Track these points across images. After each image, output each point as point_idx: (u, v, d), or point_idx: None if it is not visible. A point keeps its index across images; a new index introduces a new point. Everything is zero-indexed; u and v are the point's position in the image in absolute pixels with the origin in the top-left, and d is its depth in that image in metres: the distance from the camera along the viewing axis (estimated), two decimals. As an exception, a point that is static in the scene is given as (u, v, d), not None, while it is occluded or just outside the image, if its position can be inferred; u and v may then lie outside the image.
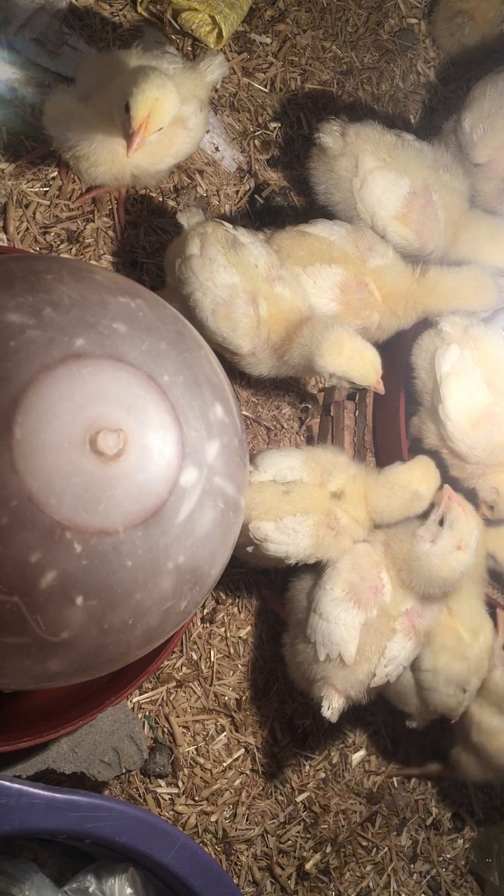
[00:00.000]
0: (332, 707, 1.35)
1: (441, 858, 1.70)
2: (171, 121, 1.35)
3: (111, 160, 1.41)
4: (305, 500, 1.35)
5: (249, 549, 1.37)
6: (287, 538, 1.34)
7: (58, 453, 0.86)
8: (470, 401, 1.43)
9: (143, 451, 0.89)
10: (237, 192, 1.73)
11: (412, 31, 1.90)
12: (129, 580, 0.90)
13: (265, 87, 1.78)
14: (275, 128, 1.77)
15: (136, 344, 0.92)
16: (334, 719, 1.37)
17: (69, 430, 0.86)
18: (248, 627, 1.63)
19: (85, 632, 0.89)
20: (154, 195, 1.67)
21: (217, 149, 1.72)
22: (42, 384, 0.86)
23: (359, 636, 1.33)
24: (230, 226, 1.43)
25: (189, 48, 1.72)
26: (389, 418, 1.60)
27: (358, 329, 1.46)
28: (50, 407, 0.86)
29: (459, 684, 1.42)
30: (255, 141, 1.75)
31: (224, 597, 1.62)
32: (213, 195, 1.72)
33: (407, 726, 1.55)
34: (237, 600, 1.63)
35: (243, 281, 1.38)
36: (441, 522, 1.35)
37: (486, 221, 1.58)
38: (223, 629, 1.62)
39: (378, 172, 1.52)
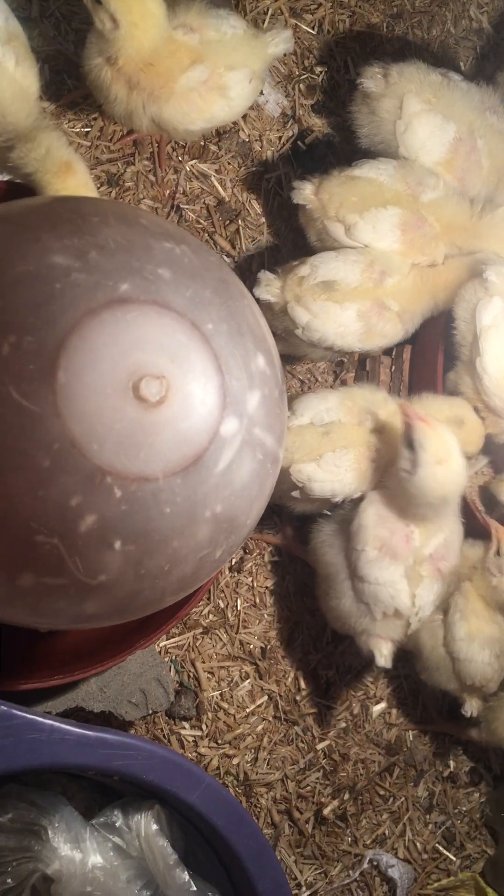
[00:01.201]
0: (383, 655, 1.37)
1: (457, 810, 1.73)
2: (210, 85, 1.34)
3: (140, 111, 1.38)
4: (345, 437, 1.36)
5: (295, 493, 1.38)
6: (330, 475, 1.34)
7: (101, 398, 0.86)
8: None
9: (185, 399, 0.89)
10: (280, 137, 1.70)
11: (467, -28, 1.83)
12: (167, 527, 0.90)
13: (312, 28, 1.73)
14: (321, 72, 1.73)
15: (181, 291, 0.91)
16: (389, 664, 1.39)
17: (113, 375, 0.86)
18: (276, 578, 1.65)
19: (122, 576, 0.90)
20: (196, 139, 1.64)
21: (261, 92, 1.68)
22: (86, 328, 0.86)
23: (407, 586, 1.33)
24: (310, 268, 1.41)
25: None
26: (427, 374, 1.58)
27: (424, 263, 1.45)
28: (94, 351, 0.86)
29: (493, 649, 1.42)
30: (301, 85, 1.71)
31: (252, 546, 1.63)
32: (256, 140, 1.69)
33: (463, 713, 1.54)
34: (265, 550, 1.64)
35: (361, 303, 1.40)
36: (411, 446, 1.29)
37: None
38: (250, 578, 1.63)
39: (424, 116, 1.48)
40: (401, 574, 1.33)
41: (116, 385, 0.86)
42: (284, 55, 1.70)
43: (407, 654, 1.57)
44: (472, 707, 1.49)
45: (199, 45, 1.39)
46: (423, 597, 1.37)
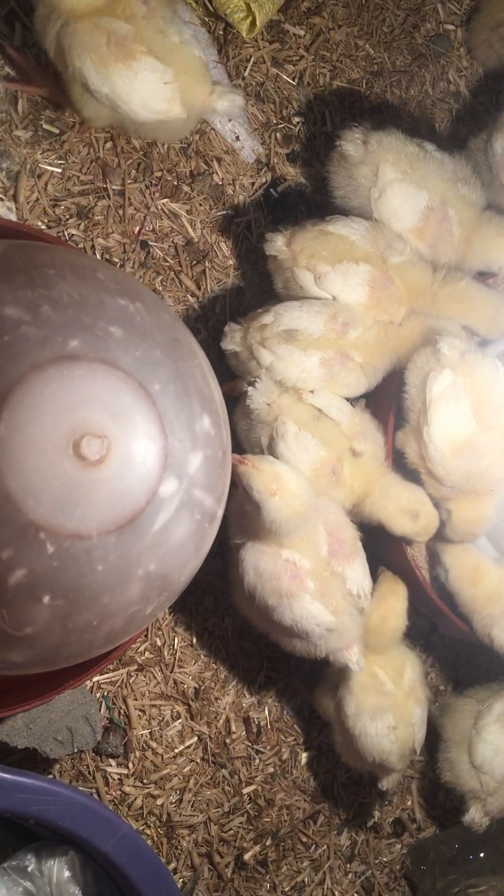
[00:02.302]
0: (355, 661, 1.38)
1: (377, 861, 1.74)
2: (124, 48, 1.32)
3: (51, 26, 1.36)
4: (330, 434, 1.41)
5: (263, 440, 1.41)
6: (298, 450, 1.38)
7: (40, 454, 0.86)
8: (455, 428, 1.44)
9: (126, 459, 0.90)
10: (253, 183, 1.72)
11: (448, 37, 1.87)
12: (98, 584, 0.91)
13: (293, 79, 1.76)
14: (298, 122, 1.75)
15: (131, 350, 0.92)
16: (363, 665, 1.39)
17: (54, 431, 0.87)
18: (215, 619, 1.65)
19: (49, 629, 0.90)
20: (169, 178, 1.65)
21: (238, 138, 1.71)
22: (31, 383, 0.86)
23: (320, 605, 1.35)
24: (273, 316, 1.43)
25: (221, 32, 1.70)
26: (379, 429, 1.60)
27: (385, 321, 1.49)
28: (37, 407, 0.86)
29: (384, 721, 1.43)
30: (277, 134, 1.74)
31: (192, 586, 1.63)
32: (229, 184, 1.70)
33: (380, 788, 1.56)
34: (207, 590, 1.64)
35: (325, 352, 1.42)
36: (247, 490, 1.32)
37: (496, 222, 1.57)
38: (189, 618, 1.64)
39: (397, 185, 1.52)
40: (308, 601, 1.34)
41: (57, 441, 0.87)
42: (264, 103, 1.73)
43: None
44: (388, 783, 1.52)
45: (143, 18, 1.37)
46: (352, 578, 1.39)
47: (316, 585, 1.34)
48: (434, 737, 1.61)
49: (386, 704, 1.44)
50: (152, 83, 1.37)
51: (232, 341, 1.45)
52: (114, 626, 0.95)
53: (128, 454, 0.90)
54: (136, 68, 1.35)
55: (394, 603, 1.47)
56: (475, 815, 1.54)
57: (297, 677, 1.67)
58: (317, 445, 1.39)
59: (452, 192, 1.52)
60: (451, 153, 1.57)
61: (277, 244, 1.49)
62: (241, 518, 1.36)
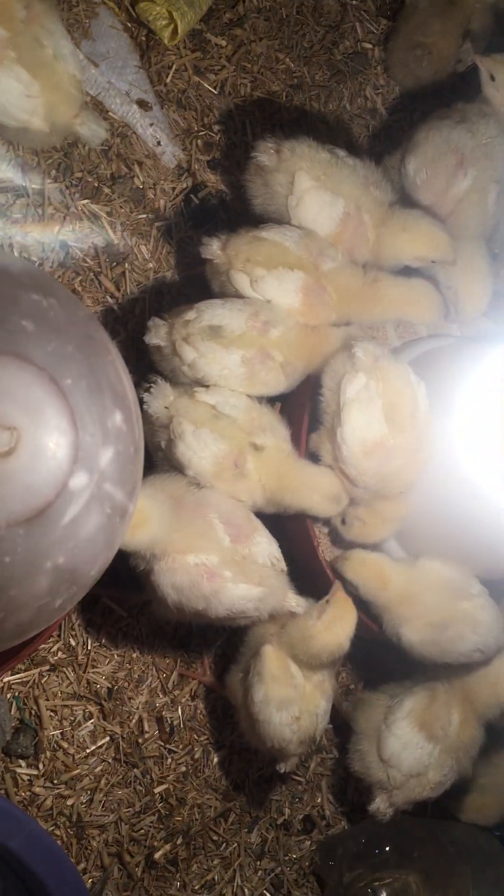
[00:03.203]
0: (298, 604, 1.46)
1: (287, 858, 1.77)
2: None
3: None
4: (229, 430, 1.42)
5: (163, 443, 1.43)
6: (197, 447, 1.40)
7: None
8: (367, 430, 1.48)
9: (35, 452, 0.90)
10: (174, 188, 1.74)
11: (365, 55, 1.93)
12: (5, 576, 0.91)
13: (215, 88, 1.79)
14: (219, 130, 1.79)
15: (43, 344, 0.93)
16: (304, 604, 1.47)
17: (-37, 422, 0.87)
18: (129, 619, 1.66)
19: (-46, 621, 0.90)
20: (90, 180, 1.66)
21: (159, 143, 1.73)
22: None
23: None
24: (196, 312, 1.44)
25: (143, 38, 1.72)
26: (293, 432, 1.64)
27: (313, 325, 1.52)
28: None
29: (290, 711, 1.46)
30: (198, 141, 1.76)
31: (105, 588, 1.63)
32: (150, 188, 1.72)
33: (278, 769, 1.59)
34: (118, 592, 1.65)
35: (246, 350, 1.45)
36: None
37: (398, 216, 1.60)
38: (103, 618, 1.64)
39: (314, 192, 1.55)
40: (233, 588, 1.39)
41: (-34, 432, 0.87)
42: (186, 110, 1.76)
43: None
44: (285, 766, 1.54)
45: (21, 23, 1.35)
46: (260, 552, 1.43)
47: (232, 571, 1.36)
48: (344, 734, 1.65)
49: (293, 696, 1.47)
50: (14, 93, 1.36)
51: (156, 336, 1.47)
52: (21, 620, 0.96)
53: (37, 447, 0.91)
54: (0, 75, 1.34)
55: (340, 630, 1.49)
56: (380, 805, 1.58)
57: (212, 675, 1.69)
58: (215, 440, 1.41)
59: (365, 196, 1.57)
60: (362, 159, 1.61)
61: (213, 248, 1.51)
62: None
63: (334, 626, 1.47)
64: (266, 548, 1.44)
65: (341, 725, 1.72)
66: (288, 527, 1.60)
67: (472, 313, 1.65)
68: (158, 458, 1.47)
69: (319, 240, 1.54)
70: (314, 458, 1.59)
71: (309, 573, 1.60)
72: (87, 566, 0.99)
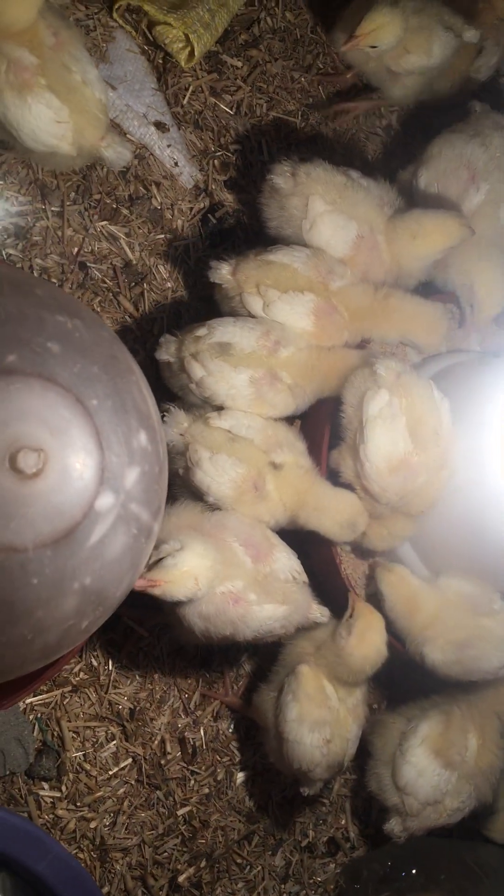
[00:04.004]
0: (321, 613, 1.47)
1: (312, 881, 1.75)
2: (21, 77, 1.31)
3: None
4: (246, 452, 1.42)
5: (181, 471, 1.43)
6: (215, 473, 1.39)
7: (-24, 467, 0.86)
8: (391, 447, 1.47)
9: (62, 473, 0.90)
10: (191, 208, 1.75)
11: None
12: (33, 597, 0.91)
13: (231, 109, 1.80)
14: (235, 150, 1.80)
15: (69, 366, 0.93)
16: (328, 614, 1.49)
17: (-10, 444, 0.87)
18: (150, 639, 1.65)
19: (-18, 644, 0.90)
20: (108, 201, 1.67)
21: (176, 164, 1.74)
22: (-32, 396, 0.86)
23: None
24: (207, 329, 1.45)
25: (160, 61, 1.73)
26: (313, 449, 1.63)
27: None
28: (-27, 420, 0.87)
29: (322, 734, 1.44)
30: (215, 161, 1.77)
31: (126, 608, 1.63)
32: (168, 209, 1.73)
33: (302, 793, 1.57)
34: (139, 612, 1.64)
35: (255, 370, 1.45)
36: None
37: (404, 224, 1.59)
38: (124, 638, 1.63)
39: (328, 216, 1.56)
40: (258, 610, 1.39)
41: (-7, 454, 0.87)
42: (202, 131, 1.77)
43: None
44: (310, 790, 1.52)
45: (50, 49, 1.37)
46: (280, 569, 1.43)
47: (256, 593, 1.36)
48: (366, 755, 1.63)
49: (327, 718, 1.46)
50: (45, 119, 1.38)
51: (166, 352, 1.47)
52: (48, 641, 0.95)
53: (64, 468, 0.91)
54: (31, 102, 1.36)
55: (373, 638, 1.48)
56: (395, 827, 1.56)
57: (234, 695, 1.68)
58: (233, 464, 1.41)
59: (380, 217, 1.57)
60: (376, 179, 1.62)
61: (222, 272, 1.51)
62: None
63: (367, 637, 1.47)
64: (286, 563, 1.43)
65: (363, 747, 1.70)
66: (309, 542, 1.59)
67: (489, 310, 1.64)
68: (176, 484, 1.47)
69: (328, 258, 1.54)
70: (334, 475, 1.58)
71: (330, 588, 1.59)
72: (114, 587, 0.98)
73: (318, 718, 1.45)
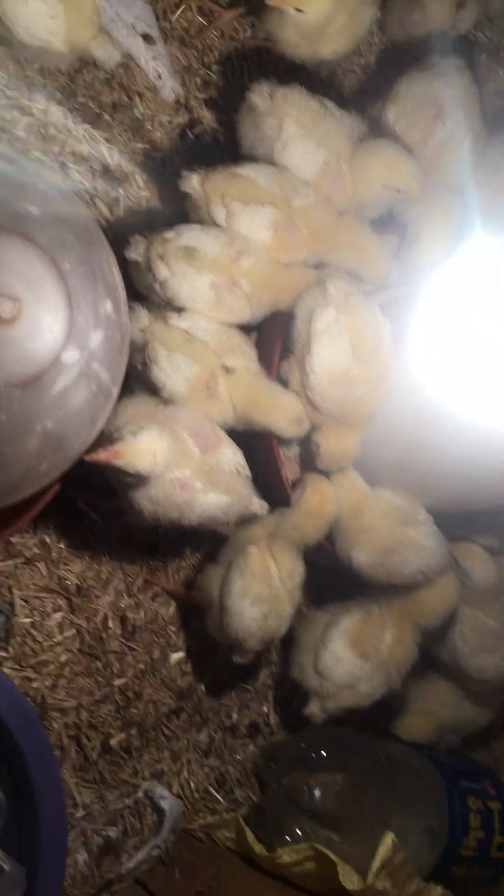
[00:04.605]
0: (261, 505, 1.59)
1: (232, 758, 1.90)
2: None
3: None
4: (201, 354, 1.52)
5: (139, 366, 1.52)
6: (171, 370, 1.49)
7: (-44, 308, 0.96)
8: (334, 360, 1.59)
9: (34, 323, 1.01)
10: (170, 122, 1.83)
11: (362, 13, 2.02)
12: (1, 433, 1.02)
13: (216, 31, 1.87)
14: (217, 70, 1.88)
15: (46, 229, 1.03)
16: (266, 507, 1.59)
17: (-29, 289, 0.97)
18: (102, 525, 1.77)
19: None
20: (92, 106, 1.75)
21: (160, 76, 1.82)
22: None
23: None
24: (175, 233, 1.53)
25: (152, -25, 1.80)
26: (265, 360, 1.75)
27: (285, 262, 1.61)
28: (-43, 265, 0.96)
29: (261, 609, 1.57)
30: (197, 79, 1.85)
31: (81, 492, 1.74)
32: (148, 120, 1.81)
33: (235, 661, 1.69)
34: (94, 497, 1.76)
35: (216, 276, 1.53)
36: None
37: (366, 147, 1.67)
38: (78, 521, 1.75)
39: (300, 140, 1.64)
40: (203, 497, 1.50)
41: (-28, 299, 0.97)
42: (187, 48, 1.85)
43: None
44: (242, 658, 1.66)
45: None
46: (225, 461, 1.54)
47: (202, 482, 1.48)
48: (290, 649, 1.77)
49: (267, 596, 1.59)
50: (40, 13, 1.46)
51: (135, 251, 1.56)
52: (10, 478, 1.07)
53: (36, 319, 1.01)
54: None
55: (327, 490, 1.63)
56: (314, 709, 1.72)
57: (175, 583, 1.81)
58: (188, 364, 1.51)
59: (348, 147, 1.67)
60: (349, 112, 1.71)
61: (192, 182, 1.59)
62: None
63: (320, 489, 1.62)
64: (231, 457, 1.56)
65: (288, 641, 1.85)
66: (254, 447, 1.72)
67: (422, 256, 1.74)
68: (133, 377, 1.56)
69: (292, 177, 1.62)
70: (284, 385, 1.70)
71: (273, 493, 1.72)
72: (73, 437, 1.10)
73: (260, 594, 1.58)
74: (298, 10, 1.62)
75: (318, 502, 1.63)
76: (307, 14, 1.63)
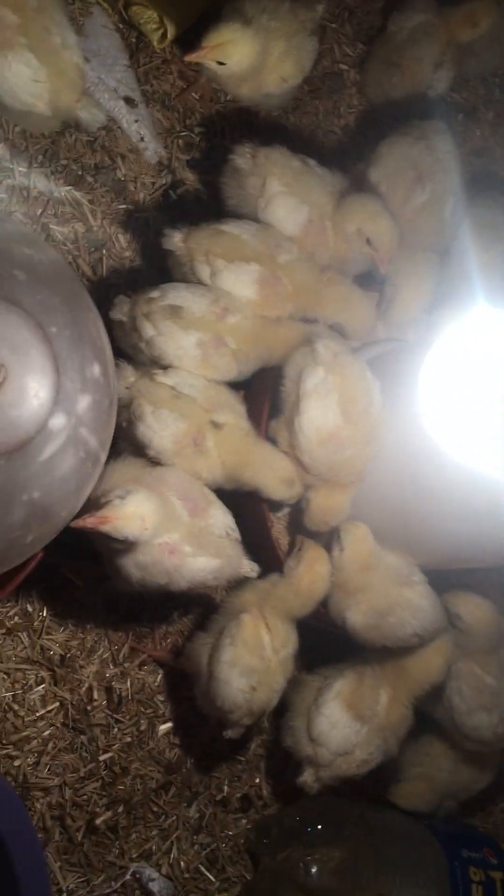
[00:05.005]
0: (252, 568, 1.54)
1: (223, 834, 1.82)
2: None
3: None
4: (188, 409, 1.49)
5: (124, 423, 1.48)
6: (157, 426, 1.46)
7: None
8: (323, 420, 1.57)
9: (20, 390, 0.97)
10: (154, 183, 1.83)
11: (341, 76, 2.06)
12: (-16, 504, 0.97)
13: (197, 94, 1.89)
14: (199, 132, 1.88)
15: (32, 293, 1.00)
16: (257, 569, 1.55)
17: (-46, 356, 0.94)
18: (86, 592, 1.71)
19: None
20: (74, 168, 1.75)
21: (143, 139, 1.82)
22: None
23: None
24: (160, 292, 1.52)
25: (133, 40, 1.82)
26: (253, 418, 1.72)
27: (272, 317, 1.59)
28: None
29: (250, 681, 1.52)
30: (179, 140, 1.86)
31: (64, 559, 1.69)
32: (131, 181, 1.81)
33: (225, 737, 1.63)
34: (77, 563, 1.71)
35: (203, 334, 1.51)
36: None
37: (349, 200, 1.65)
38: (60, 589, 1.69)
39: (282, 197, 1.65)
40: (192, 561, 1.45)
41: (-43, 365, 0.94)
42: (169, 111, 1.85)
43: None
44: (231, 733, 1.60)
45: (32, 11, 1.42)
46: (215, 524, 1.49)
47: (191, 546, 1.43)
48: (283, 716, 1.71)
49: (258, 667, 1.53)
50: (23, 77, 1.45)
51: (119, 311, 1.54)
52: (-6, 550, 1.02)
53: (22, 385, 0.98)
54: (11, 59, 1.43)
55: (321, 567, 1.58)
56: (308, 779, 1.65)
57: (162, 650, 1.75)
58: (175, 419, 1.48)
59: (330, 204, 1.67)
60: (331, 170, 1.72)
61: (175, 240, 1.59)
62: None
63: (315, 566, 1.58)
64: (221, 519, 1.51)
65: (280, 707, 1.79)
66: (243, 506, 1.68)
67: (400, 315, 1.74)
68: (120, 437, 1.53)
69: (276, 233, 1.62)
70: (273, 444, 1.67)
71: (262, 554, 1.68)
72: (59, 506, 1.06)
73: (250, 665, 1.53)
74: (221, 63, 1.61)
75: (309, 581, 1.58)
76: (230, 65, 1.62)
